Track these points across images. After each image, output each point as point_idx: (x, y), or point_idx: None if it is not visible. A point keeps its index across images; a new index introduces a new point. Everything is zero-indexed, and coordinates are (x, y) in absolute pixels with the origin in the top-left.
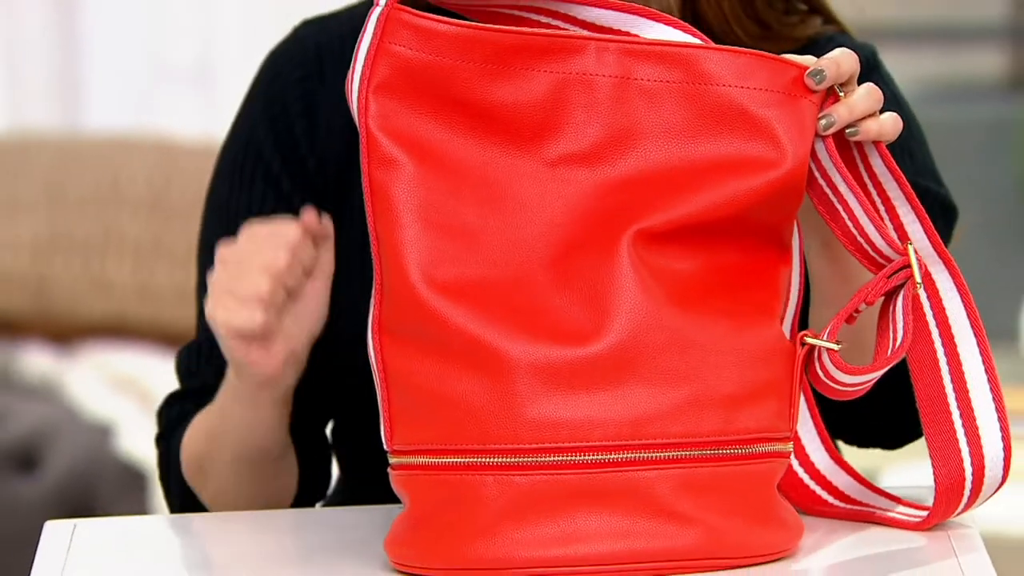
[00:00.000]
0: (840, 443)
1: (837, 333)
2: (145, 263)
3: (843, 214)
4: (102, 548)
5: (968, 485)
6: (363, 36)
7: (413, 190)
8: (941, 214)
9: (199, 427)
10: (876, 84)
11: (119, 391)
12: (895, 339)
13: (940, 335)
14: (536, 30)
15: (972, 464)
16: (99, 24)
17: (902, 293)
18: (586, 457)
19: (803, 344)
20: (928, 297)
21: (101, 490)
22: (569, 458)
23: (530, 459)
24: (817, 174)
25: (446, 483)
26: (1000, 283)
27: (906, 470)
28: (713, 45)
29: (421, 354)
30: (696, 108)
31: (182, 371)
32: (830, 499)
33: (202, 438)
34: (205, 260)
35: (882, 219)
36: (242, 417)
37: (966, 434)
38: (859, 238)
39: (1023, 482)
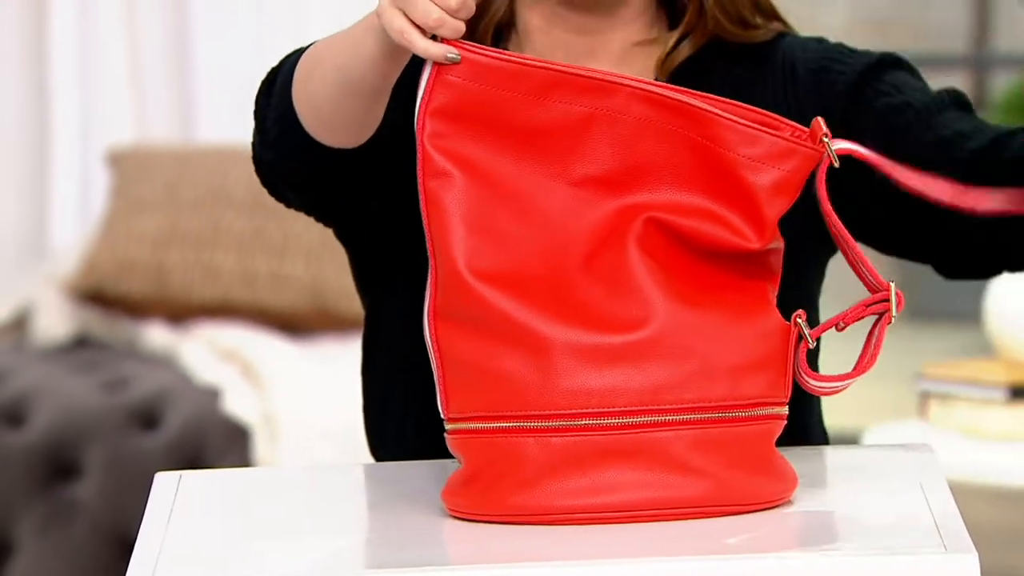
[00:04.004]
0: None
1: (819, 335)
2: (247, 253)
3: (845, 248)
4: (204, 496)
5: None
6: (425, 66)
7: (460, 199)
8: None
9: (325, 39)
10: (832, 54)
11: (224, 361)
12: (865, 357)
13: None
14: (576, 71)
15: None
16: (208, 54)
17: (880, 321)
18: (612, 420)
19: (796, 324)
20: None
21: (210, 444)
22: (598, 421)
23: (565, 423)
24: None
25: (494, 444)
26: None
27: (888, 428)
28: (728, 113)
29: (470, 335)
30: (700, 160)
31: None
32: None
33: (320, 47)
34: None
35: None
36: (361, 47)
37: None
38: (858, 265)
39: (994, 440)
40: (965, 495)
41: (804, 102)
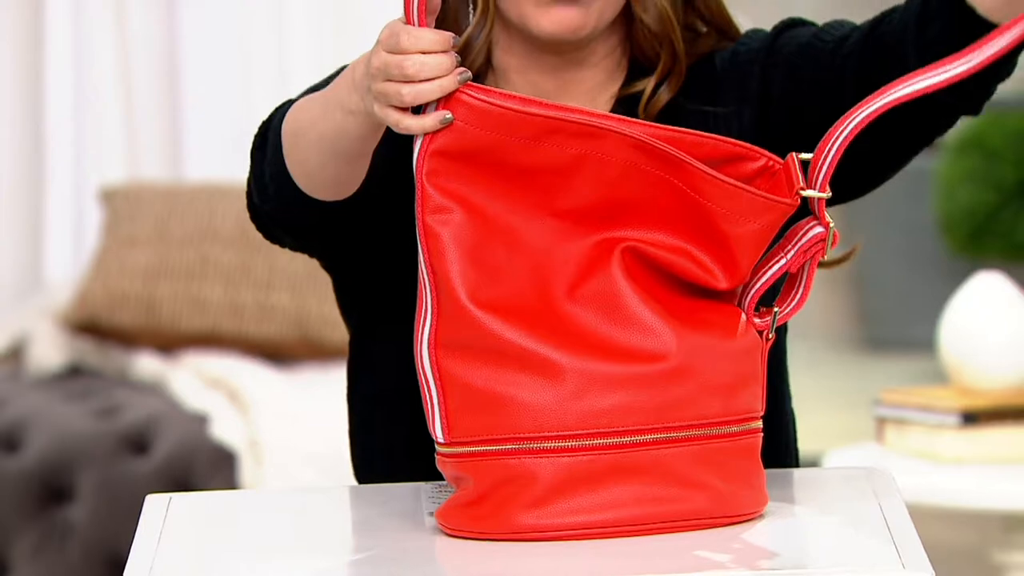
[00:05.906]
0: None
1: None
2: (234, 286)
3: None
4: (193, 518)
5: None
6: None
7: (458, 233)
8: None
9: (305, 104)
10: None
11: (212, 389)
12: (797, 293)
13: None
14: (571, 116)
15: None
16: (197, 97)
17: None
18: (621, 440)
19: (767, 339)
20: None
21: (197, 468)
22: (607, 441)
23: (577, 443)
24: None
25: (505, 465)
26: (920, 302)
27: (846, 452)
28: (712, 172)
29: (479, 362)
30: (680, 204)
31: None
32: None
33: (304, 113)
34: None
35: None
36: (335, 118)
37: None
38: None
39: (948, 463)
40: (920, 516)
41: (738, 99)
